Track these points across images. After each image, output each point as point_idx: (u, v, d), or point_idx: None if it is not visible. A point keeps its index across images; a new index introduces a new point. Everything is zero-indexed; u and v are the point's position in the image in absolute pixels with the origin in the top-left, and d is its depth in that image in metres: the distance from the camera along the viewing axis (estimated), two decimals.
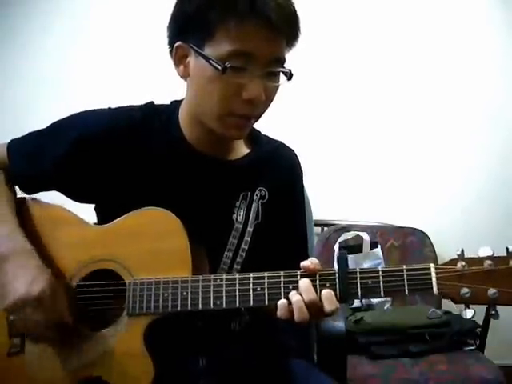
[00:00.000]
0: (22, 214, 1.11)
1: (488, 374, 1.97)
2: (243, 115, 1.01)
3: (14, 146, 1.17)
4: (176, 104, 1.15)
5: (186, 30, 1.01)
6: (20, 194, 1.18)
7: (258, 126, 1.18)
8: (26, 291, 0.97)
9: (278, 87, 1.03)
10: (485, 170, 2.77)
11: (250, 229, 1.12)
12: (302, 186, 1.27)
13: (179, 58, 1.04)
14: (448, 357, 2.08)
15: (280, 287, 0.95)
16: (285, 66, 1.02)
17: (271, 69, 1.00)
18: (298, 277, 0.95)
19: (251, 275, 0.97)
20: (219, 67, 0.96)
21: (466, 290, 0.89)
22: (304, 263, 0.95)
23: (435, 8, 2.77)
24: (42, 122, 1.17)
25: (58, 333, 1.00)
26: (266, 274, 0.96)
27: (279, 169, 1.19)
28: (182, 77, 1.06)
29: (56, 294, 1.00)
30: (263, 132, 1.23)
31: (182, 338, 1.07)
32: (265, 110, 1.05)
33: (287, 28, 0.98)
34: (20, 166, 1.15)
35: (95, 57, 2.78)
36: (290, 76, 1.02)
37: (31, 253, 1.03)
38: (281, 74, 1.02)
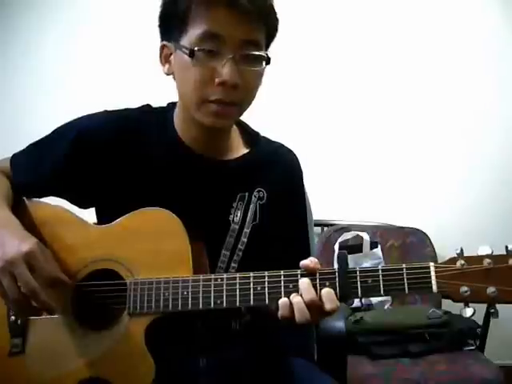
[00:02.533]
0: (22, 214, 1.11)
1: (488, 374, 1.97)
2: (218, 100, 1.01)
3: (17, 158, 1.19)
4: (172, 105, 1.16)
5: (167, 29, 1.05)
6: None
7: (256, 126, 1.19)
8: (17, 250, 0.96)
9: (257, 73, 1.03)
10: (485, 170, 2.77)
11: (246, 230, 1.13)
12: (303, 187, 1.27)
13: (165, 57, 1.07)
14: (448, 357, 2.08)
15: (280, 286, 0.95)
16: (261, 50, 1.02)
17: (243, 52, 1.00)
18: (298, 276, 0.95)
19: (251, 274, 0.97)
20: (188, 51, 0.98)
21: (465, 288, 0.89)
22: (303, 262, 0.95)
23: (434, 7, 2.77)
24: (41, 124, 1.17)
25: (53, 296, 0.99)
26: (266, 274, 0.97)
27: (278, 170, 1.19)
28: (167, 74, 1.08)
29: (46, 253, 1.01)
30: (262, 133, 1.23)
31: (182, 337, 1.07)
32: (248, 97, 1.05)
33: (256, 9, 0.98)
34: (21, 175, 1.16)
35: (95, 58, 2.79)
36: (267, 60, 1.02)
37: (16, 223, 1.04)
38: (261, 59, 1.02)
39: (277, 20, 1.05)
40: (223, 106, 1.02)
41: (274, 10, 1.03)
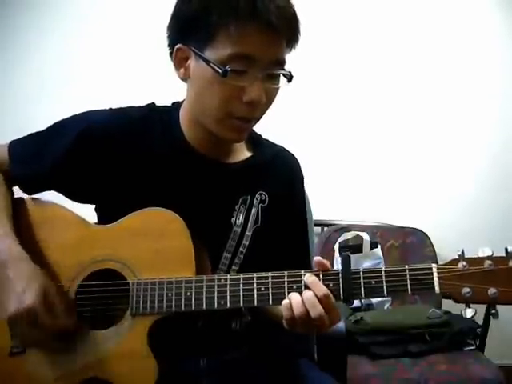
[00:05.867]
0: (22, 214, 1.11)
1: (488, 373, 1.97)
2: (243, 117, 1.01)
3: (15, 147, 1.16)
4: (177, 105, 1.15)
5: (187, 32, 1.01)
6: (19, 192, 1.17)
7: (258, 127, 1.19)
8: (17, 306, 0.96)
9: (278, 89, 1.04)
10: (485, 170, 2.77)
11: (248, 233, 1.12)
12: (303, 191, 1.27)
13: (179, 61, 1.05)
14: (448, 357, 2.08)
15: (284, 287, 0.96)
16: (285, 68, 1.02)
17: (271, 71, 1.00)
18: (302, 276, 0.95)
19: (255, 275, 0.97)
20: (220, 70, 0.96)
21: (467, 289, 0.90)
22: (317, 258, 0.96)
23: (435, 9, 2.77)
24: (43, 124, 1.16)
25: (60, 338, 1.00)
26: (269, 274, 0.97)
27: (280, 173, 1.19)
28: (182, 79, 1.06)
29: (50, 301, 0.99)
30: (264, 134, 1.23)
31: (183, 338, 1.07)
32: (266, 111, 1.06)
33: (287, 30, 0.99)
34: (21, 166, 1.14)
35: (98, 58, 2.78)
36: (290, 78, 1.02)
37: (21, 257, 1.02)
38: (280, 75, 1.02)
39: (300, 34, 1.03)
40: (245, 122, 1.03)
41: (299, 24, 1.02)
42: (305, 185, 1.27)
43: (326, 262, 0.96)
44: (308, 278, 0.94)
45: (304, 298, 0.93)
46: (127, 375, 1.00)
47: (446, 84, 2.78)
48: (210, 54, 0.98)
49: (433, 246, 2.58)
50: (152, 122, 1.13)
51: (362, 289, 0.93)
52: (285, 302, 0.94)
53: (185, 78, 1.06)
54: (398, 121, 2.79)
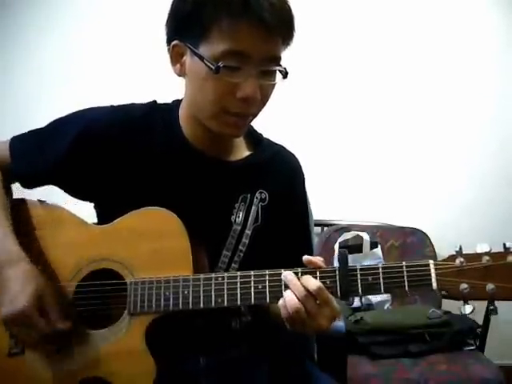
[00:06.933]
0: (21, 214, 1.11)
1: (488, 373, 1.97)
2: (238, 114, 1.01)
3: (16, 143, 1.17)
4: (177, 103, 1.15)
5: (182, 29, 1.02)
6: (18, 192, 1.18)
7: (258, 126, 1.19)
8: (10, 309, 0.97)
9: (273, 85, 1.03)
10: (485, 170, 2.77)
11: (248, 231, 1.12)
12: (304, 190, 1.26)
13: (176, 57, 1.05)
14: (448, 357, 2.08)
15: (281, 285, 0.95)
16: (280, 64, 1.02)
17: (266, 67, 1.00)
18: (299, 274, 0.95)
19: (252, 273, 0.97)
20: (213, 67, 0.96)
21: (464, 285, 0.90)
22: (306, 256, 0.96)
23: (434, 8, 2.78)
24: (42, 121, 1.17)
25: (56, 339, 1.01)
26: (267, 272, 0.97)
27: (280, 172, 1.19)
28: (178, 75, 1.07)
29: (44, 304, 0.99)
30: (264, 133, 1.23)
31: (182, 337, 1.07)
32: (261, 109, 1.05)
33: (281, 27, 0.98)
34: (22, 163, 1.15)
35: (97, 57, 2.79)
36: (285, 74, 1.02)
37: (19, 258, 1.02)
38: (276, 72, 1.02)
39: (295, 31, 1.03)
40: (241, 118, 1.03)
41: (294, 20, 1.02)
42: (306, 185, 1.26)
43: (314, 259, 0.96)
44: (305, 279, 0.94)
45: (287, 281, 0.94)
46: (126, 374, 1.00)
47: (444, 83, 2.78)
48: (204, 51, 0.98)
49: (433, 245, 2.58)
50: (153, 119, 1.13)
51: (359, 286, 0.93)
52: (281, 301, 0.94)
53: (181, 74, 1.06)
54: (397, 121, 2.79)
